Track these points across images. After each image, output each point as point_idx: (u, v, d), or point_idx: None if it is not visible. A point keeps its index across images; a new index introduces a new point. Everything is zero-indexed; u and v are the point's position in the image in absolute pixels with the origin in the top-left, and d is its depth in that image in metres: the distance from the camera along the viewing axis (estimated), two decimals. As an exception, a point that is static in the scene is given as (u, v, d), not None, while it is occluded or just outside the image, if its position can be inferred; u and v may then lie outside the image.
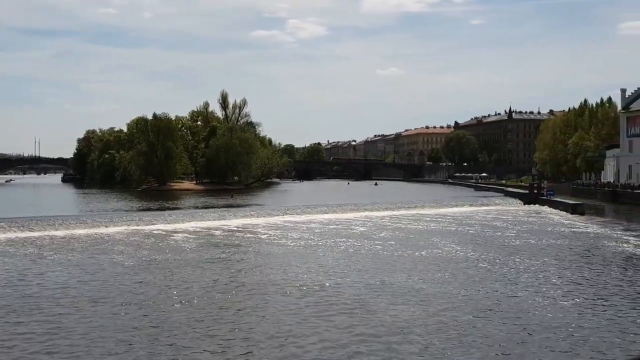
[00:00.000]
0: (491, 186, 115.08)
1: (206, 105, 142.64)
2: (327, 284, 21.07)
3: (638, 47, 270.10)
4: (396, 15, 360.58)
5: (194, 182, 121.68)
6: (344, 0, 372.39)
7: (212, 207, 62.72)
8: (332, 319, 16.35)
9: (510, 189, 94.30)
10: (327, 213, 53.43)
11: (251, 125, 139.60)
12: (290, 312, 17.17)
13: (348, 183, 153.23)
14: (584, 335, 14.85)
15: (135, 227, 40.67)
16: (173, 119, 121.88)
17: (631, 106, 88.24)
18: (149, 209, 59.27)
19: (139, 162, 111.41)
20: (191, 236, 36.58)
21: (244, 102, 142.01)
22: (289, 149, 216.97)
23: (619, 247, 31.83)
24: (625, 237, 35.97)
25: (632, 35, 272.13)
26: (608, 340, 14.53)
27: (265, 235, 37.08)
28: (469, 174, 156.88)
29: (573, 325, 15.81)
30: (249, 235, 37.58)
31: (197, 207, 62.56)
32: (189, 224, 43.12)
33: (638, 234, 37.38)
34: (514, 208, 63.36)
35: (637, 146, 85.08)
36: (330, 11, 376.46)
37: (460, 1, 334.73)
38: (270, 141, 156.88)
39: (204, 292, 19.90)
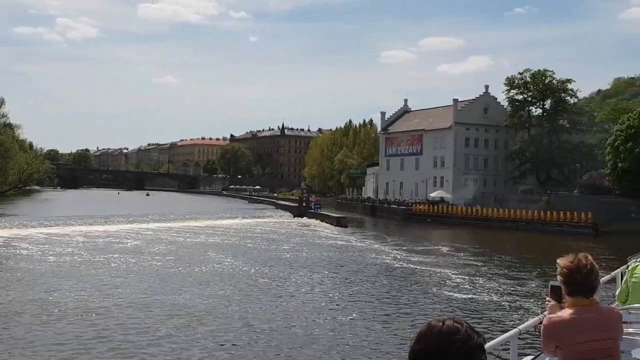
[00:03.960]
0: (264, 199, 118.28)
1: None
2: (96, 306, 19.56)
3: (396, 74, 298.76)
4: (174, 24, 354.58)
5: None
6: (119, 3, 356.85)
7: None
8: (101, 348, 15.14)
9: (281, 202, 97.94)
10: (94, 225, 50.32)
11: (9, 127, 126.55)
12: (53, 341, 15.50)
13: (118, 193, 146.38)
14: (366, 349, 15.64)
15: None
16: None
17: (389, 128, 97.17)
18: None
19: None
20: None
21: (2, 102, 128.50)
22: (53, 155, 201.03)
23: (380, 259, 34.49)
24: (383, 249, 39.17)
25: (392, 63, 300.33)
26: (379, 350, 15.50)
27: (23, 250, 33.61)
28: (244, 187, 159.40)
29: (354, 340, 16.44)
30: (1, 250, 33.80)
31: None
32: None
33: (393, 247, 40.79)
34: (285, 220, 65.77)
35: (394, 165, 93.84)
36: (104, 13, 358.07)
37: (238, 16, 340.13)
38: (31, 145, 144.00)
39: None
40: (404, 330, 17.34)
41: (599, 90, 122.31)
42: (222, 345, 15.64)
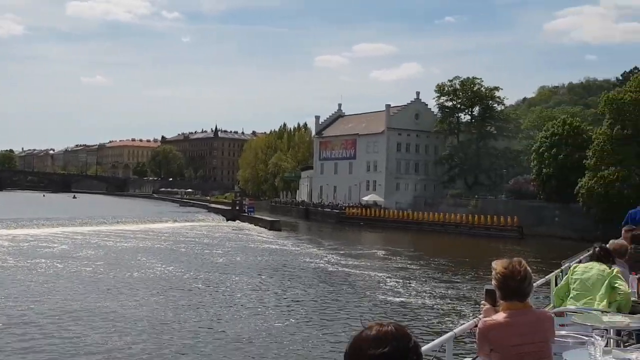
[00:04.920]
0: (196, 202, 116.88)
1: None
2: (21, 314, 18.81)
3: (330, 79, 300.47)
4: (104, 23, 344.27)
5: None
6: (46, 0, 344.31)
7: None
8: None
9: (213, 205, 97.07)
10: (18, 228, 48.56)
11: None
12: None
13: (44, 195, 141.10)
14: (302, 354, 15.67)
15: None
16: None
17: (323, 132, 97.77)
18: None
19: None
20: None
21: None
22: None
23: (314, 262, 34.66)
24: (318, 253, 39.40)
25: (326, 67, 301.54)
26: (316, 354, 15.58)
27: (-58, 256, 32.01)
28: (175, 189, 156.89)
29: (291, 346, 16.42)
30: None
31: None
32: None
33: (327, 251, 41.05)
34: (218, 224, 65.22)
35: (328, 169, 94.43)
36: (31, 10, 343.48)
37: (171, 17, 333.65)
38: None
39: None
40: (339, 334, 17.49)
41: (525, 98, 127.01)
42: (156, 353, 15.35)
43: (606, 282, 5.58)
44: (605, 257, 5.88)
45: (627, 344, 4.43)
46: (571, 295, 5.69)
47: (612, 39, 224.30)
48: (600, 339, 3.73)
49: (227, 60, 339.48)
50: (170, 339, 16.61)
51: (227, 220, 70.59)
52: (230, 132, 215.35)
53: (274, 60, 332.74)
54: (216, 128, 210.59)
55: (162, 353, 15.33)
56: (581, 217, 54.51)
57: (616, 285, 5.55)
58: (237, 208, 74.36)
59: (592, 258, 5.98)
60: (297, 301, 22.92)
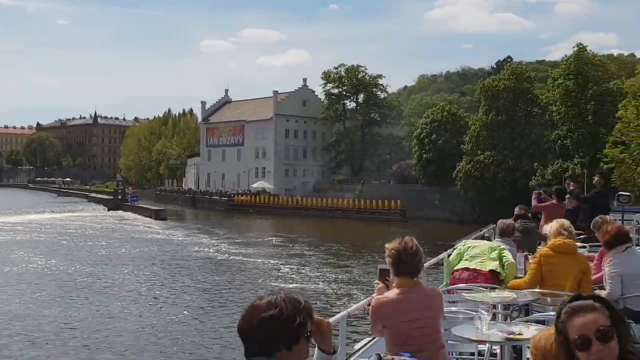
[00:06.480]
0: (75, 192, 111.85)
1: None
2: None
3: (216, 64, 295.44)
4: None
5: None
6: None
7: None
8: None
9: (94, 195, 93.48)
10: None
11: None
12: None
13: None
14: (199, 344, 15.57)
15: None
16: None
17: (210, 118, 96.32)
18: None
19: None
20: None
21: None
22: None
23: (203, 252, 34.29)
24: (206, 242, 38.99)
25: (212, 52, 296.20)
26: (210, 346, 15.50)
27: None
28: (52, 179, 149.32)
29: (184, 339, 16.17)
30: None
31: None
32: None
33: (216, 239, 40.66)
34: (100, 214, 62.88)
35: (215, 155, 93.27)
36: None
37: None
38: None
39: None
40: (233, 322, 17.43)
41: (405, 86, 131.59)
42: (36, 353, 14.63)
43: (496, 251, 6.22)
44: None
45: (518, 317, 4.76)
46: (464, 259, 6.19)
47: (487, 27, 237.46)
48: (486, 313, 3.99)
49: (106, 43, 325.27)
50: (54, 337, 15.86)
51: (109, 210, 68.24)
52: (111, 118, 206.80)
53: (156, 45, 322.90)
54: (95, 114, 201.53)
55: (47, 351, 14.64)
56: (459, 200, 57.51)
57: (503, 255, 6.17)
58: (120, 197, 71.98)
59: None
60: (188, 292, 22.58)
